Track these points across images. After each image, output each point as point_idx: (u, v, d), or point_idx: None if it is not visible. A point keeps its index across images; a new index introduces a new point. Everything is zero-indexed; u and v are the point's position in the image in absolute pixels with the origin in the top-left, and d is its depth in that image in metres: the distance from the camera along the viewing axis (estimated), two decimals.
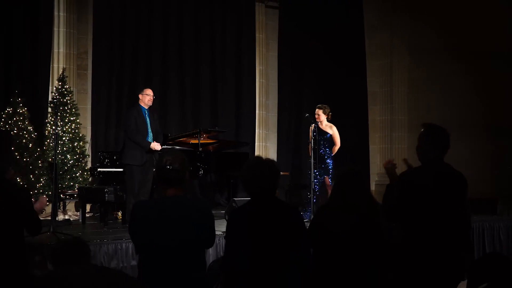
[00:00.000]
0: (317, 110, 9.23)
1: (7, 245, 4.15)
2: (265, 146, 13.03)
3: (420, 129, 4.17)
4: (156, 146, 7.97)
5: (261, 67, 13.18)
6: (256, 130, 13.05)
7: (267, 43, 13.39)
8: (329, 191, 8.52)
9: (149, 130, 8.07)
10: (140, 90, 8.27)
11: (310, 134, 9.01)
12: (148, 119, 8.10)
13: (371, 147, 13.39)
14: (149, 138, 8.02)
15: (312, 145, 9.06)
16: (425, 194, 3.95)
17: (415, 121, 12.13)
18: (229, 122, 12.55)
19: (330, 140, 9.12)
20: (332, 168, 9.03)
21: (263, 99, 13.21)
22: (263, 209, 3.78)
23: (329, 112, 9.24)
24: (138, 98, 8.19)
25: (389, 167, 4.30)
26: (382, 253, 3.95)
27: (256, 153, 12.43)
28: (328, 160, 9.05)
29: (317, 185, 8.92)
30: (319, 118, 9.16)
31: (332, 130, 9.18)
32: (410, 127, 12.94)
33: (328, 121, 9.21)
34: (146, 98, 8.10)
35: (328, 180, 8.98)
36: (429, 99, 12.64)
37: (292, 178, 12.44)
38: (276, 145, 13.33)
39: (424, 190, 3.96)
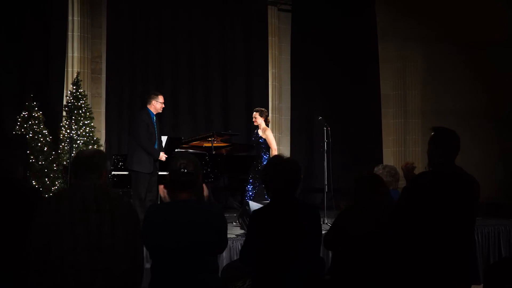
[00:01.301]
0: (254, 113, 9.03)
1: (15, 244, 4.18)
2: (278, 149, 12.99)
3: (431, 133, 4.15)
4: (162, 156, 8.01)
5: (274, 70, 13.19)
6: None
7: (280, 46, 13.40)
8: None
9: (157, 136, 8.11)
10: (153, 95, 8.20)
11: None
12: (156, 125, 8.11)
13: (384, 150, 13.34)
14: (156, 145, 8.04)
15: (325, 148, 9.05)
16: (430, 199, 3.89)
17: (429, 124, 12.08)
18: (242, 126, 12.54)
19: (266, 145, 8.90)
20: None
21: (276, 102, 13.22)
22: (283, 208, 3.81)
23: (266, 116, 9.02)
24: (147, 102, 8.17)
25: (408, 169, 4.30)
26: (401, 256, 3.94)
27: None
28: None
29: (252, 191, 8.83)
30: (256, 121, 8.98)
31: (266, 134, 8.91)
32: (424, 130, 12.88)
33: (266, 125, 8.97)
34: (159, 105, 8.08)
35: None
36: (442, 101, 12.59)
37: (305, 182, 12.43)
38: (289, 148, 13.31)
39: (429, 195, 3.90)
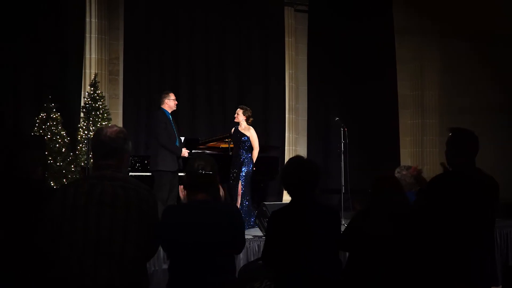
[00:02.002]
0: (237, 110, 8.78)
1: (33, 245, 4.20)
2: (295, 150, 13.01)
3: (448, 134, 4.12)
4: (185, 152, 8.08)
5: (290, 71, 13.18)
6: (286, 134, 13.04)
7: (297, 46, 13.39)
8: (239, 199, 8.41)
9: (176, 134, 8.14)
10: (164, 94, 8.25)
11: (232, 138, 8.80)
12: (173, 124, 8.15)
13: (402, 151, 13.29)
14: (177, 142, 8.09)
15: (342, 149, 9.03)
16: (448, 200, 3.86)
17: (446, 125, 12.02)
18: (258, 126, 12.53)
19: (249, 143, 8.67)
20: (245, 175, 8.52)
21: (293, 103, 13.21)
22: (302, 209, 3.81)
23: (249, 116, 8.75)
24: (161, 102, 8.21)
25: (415, 175, 4.29)
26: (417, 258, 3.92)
27: (286, 157, 12.42)
28: (244, 167, 8.53)
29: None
30: (237, 118, 8.70)
31: (250, 133, 8.68)
32: (441, 130, 12.81)
33: (248, 124, 8.77)
34: (172, 102, 8.14)
35: (240, 187, 8.50)
36: (460, 102, 12.52)
37: (321, 182, 12.39)
38: (306, 148, 13.29)
39: (447, 196, 3.87)
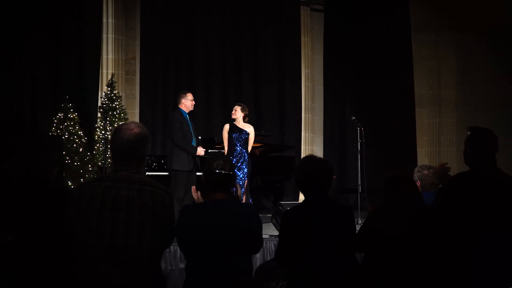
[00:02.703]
0: (236, 106, 8.61)
1: (51, 245, 4.22)
2: (311, 149, 12.99)
3: (467, 133, 4.08)
4: (201, 151, 8.07)
5: (307, 70, 13.17)
6: (302, 134, 13.02)
7: (313, 46, 13.38)
8: (245, 196, 8.19)
9: (192, 134, 8.13)
10: (182, 94, 8.26)
11: (224, 135, 8.53)
12: (190, 123, 8.15)
13: (418, 150, 13.20)
14: (193, 142, 8.09)
15: (359, 148, 9.00)
16: (466, 200, 3.82)
17: (464, 123, 11.93)
18: (274, 126, 12.56)
19: (247, 140, 8.46)
20: (248, 172, 8.31)
21: (309, 102, 13.19)
22: (316, 209, 3.79)
23: (246, 114, 8.57)
24: (178, 102, 8.23)
25: (443, 171, 4.24)
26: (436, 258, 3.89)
27: (303, 156, 12.39)
28: (247, 164, 8.33)
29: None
30: (235, 114, 8.51)
31: (251, 129, 8.53)
32: (458, 129, 12.72)
33: (244, 122, 8.60)
34: (189, 102, 8.14)
35: (247, 183, 8.33)
36: (477, 100, 12.42)
37: (338, 182, 12.37)
38: (322, 148, 13.27)
39: (466, 197, 3.83)
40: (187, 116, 8.15)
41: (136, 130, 3.19)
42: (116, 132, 3.23)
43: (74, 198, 3.17)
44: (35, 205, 4.28)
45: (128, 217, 3.05)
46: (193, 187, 3.85)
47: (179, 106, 8.16)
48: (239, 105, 8.62)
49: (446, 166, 4.27)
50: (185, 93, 8.25)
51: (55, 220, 4.27)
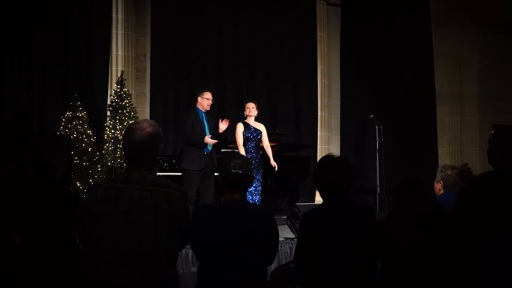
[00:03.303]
0: (250, 103, 8.39)
1: (52, 246, 4.24)
2: (328, 149, 12.95)
3: (491, 131, 4.04)
4: (208, 139, 7.93)
5: (323, 67, 13.13)
6: (318, 133, 12.99)
7: (329, 41, 13.33)
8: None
9: (207, 134, 8.08)
10: (199, 92, 8.27)
11: (239, 136, 8.23)
12: (206, 123, 8.13)
13: (439, 149, 13.13)
14: (210, 146, 8.08)
15: (377, 148, 8.97)
16: (490, 202, 3.77)
17: (487, 122, 11.85)
18: (290, 125, 12.53)
19: (259, 141, 8.31)
20: (261, 173, 8.17)
21: (325, 100, 13.14)
22: (336, 210, 3.78)
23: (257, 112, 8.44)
24: (196, 101, 8.23)
25: (465, 171, 4.21)
26: (452, 263, 3.86)
27: (319, 156, 12.37)
28: (260, 166, 8.17)
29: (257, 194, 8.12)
30: (251, 112, 8.31)
31: (263, 128, 8.38)
32: (481, 127, 12.64)
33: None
34: (205, 102, 8.12)
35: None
36: (501, 98, 12.33)
37: (355, 182, 12.33)
38: (339, 147, 13.24)
39: (489, 198, 3.78)
40: (203, 115, 8.14)
41: (149, 129, 3.18)
42: (128, 131, 3.21)
43: (85, 200, 3.16)
44: (37, 206, 4.31)
45: (142, 220, 3.05)
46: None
47: (196, 105, 8.17)
48: (254, 102, 8.51)
49: (468, 166, 4.23)
50: (202, 92, 8.24)
51: (57, 221, 4.30)
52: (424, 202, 4.02)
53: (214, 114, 11.75)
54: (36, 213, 4.36)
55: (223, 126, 8.16)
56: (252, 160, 8.01)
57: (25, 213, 4.40)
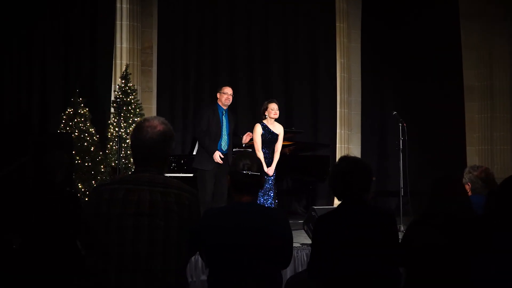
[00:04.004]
0: (274, 104, 8.19)
1: (55, 252, 4.27)
2: (348, 148, 12.91)
3: None
4: (216, 157, 7.94)
5: (342, 60, 13.08)
6: (337, 131, 12.95)
7: (349, 33, 13.28)
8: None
9: (224, 132, 8.10)
10: (218, 90, 8.31)
11: (258, 140, 8.09)
12: (224, 121, 8.14)
13: (468, 148, 13.09)
14: (222, 141, 8.06)
15: (401, 147, 8.93)
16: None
17: None
18: (306, 122, 12.50)
19: (275, 143, 8.23)
20: (275, 177, 8.14)
21: (345, 96, 13.10)
22: (353, 213, 3.76)
23: None
24: (216, 97, 8.26)
25: (482, 177, 4.20)
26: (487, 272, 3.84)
27: (338, 156, 12.33)
28: (271, 179, 8.04)
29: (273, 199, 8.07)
30: (275, 115, 8.16)
31: (281, 130, 8.26)
32: None
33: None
34: (223, 96, 8.13)
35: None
36: None
37: (377, 184, 12.30)
38: (360, 147, 13.20)
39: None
40: (223, 112, 8.17)
41: (160, 127, 3.17)
42: (138, 129, 3.20)
43: (90, 202, 3.16)
44: (37, 208, 4.34)
45: (152, 223, 3.05)
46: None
47: (217, 101, 8.23)
48: (275, 102, 8.30)
49: (488, 172, 4.21)
50: (220, 88, 8.31)
51: (57, 223, 4.33)
52: (459, 205, 4.00)
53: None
54: (36, 215, 4.39)
55: (246, 138, 8.26)
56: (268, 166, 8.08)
57: (25, 215, 4.44)
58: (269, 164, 8.04)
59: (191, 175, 8.89)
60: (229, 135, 8.16)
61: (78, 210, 4.52)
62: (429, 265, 3.86)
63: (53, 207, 4.39)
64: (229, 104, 8.21)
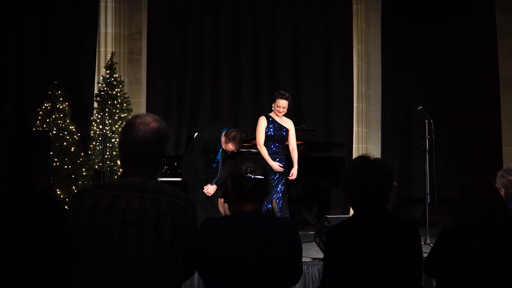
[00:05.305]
0: (282, 101, 8.28)
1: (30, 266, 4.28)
2: (366, 148, 12.93)
3: None
4: (209, 189, 8.24)
5: (359, 47, 13.08)
6: (354, 128, 12.96)
7: (368, 16, 13.28)
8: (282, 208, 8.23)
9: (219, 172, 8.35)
10: (226, 132, 8.25)
11: (260, 133, 8.26)
12: (220, 160, 8.39)
13: (505, 148, 13.09)
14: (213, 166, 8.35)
15: (427, 147, 8.93)
16: None
17: None
18: (318, 119, 12.51)
19: (284, 139, 8.36)
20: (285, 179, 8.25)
21: (363, 88, 13.10)
22: (372, 224, 3.76)
23: None
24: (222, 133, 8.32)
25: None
26: None
27: (355, 157, 12.32)
28: (286, 170, 8.27)
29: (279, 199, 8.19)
30: (281, 113, 8.30)
31: (291, 125, 8.41)
32: None
33: None
34: (228, 147, 8.18)
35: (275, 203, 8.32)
36: None
37: (400, 189, 12.31)
38: (380, 146, 13.20)
39: None
40: (220, 151, 8.34)
41: (154, 124, 3.15)
42: (128, 127, 3.17)
43: (71, 209, 3.13)
44: (16, 219, 4.33)
45: (141, 235, 3.03)
46: (221, 200, 3.84)
47: (221, 142, 8.29)
48: (286, 99, 8.35)
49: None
50: (230, 134, 8.20)
51: (40, 237, 4.32)
52: (495, 211, 4.01)
53: (227, 106, 11.82)
54: (15, 228, 4.38)
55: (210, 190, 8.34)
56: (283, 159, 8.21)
57: (1, 228, 4.43)
58: (280, 160, 8.18)
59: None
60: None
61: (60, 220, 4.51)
62: (465, 275, 3.88)
63: (37, 218, 4.37)
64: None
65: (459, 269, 3.92)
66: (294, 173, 8.23)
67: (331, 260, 3.87)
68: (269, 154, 8.11)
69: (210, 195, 8.17)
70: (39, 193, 4.65)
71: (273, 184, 8.08)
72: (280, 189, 8.13)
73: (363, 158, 4.00)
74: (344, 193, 3.97)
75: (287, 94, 8.39)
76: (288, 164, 8.32)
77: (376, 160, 3.95)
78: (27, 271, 4.24)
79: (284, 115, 8.30)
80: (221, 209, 3.80)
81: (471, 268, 3.88)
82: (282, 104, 8.25)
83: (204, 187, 8.18)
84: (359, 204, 3.86)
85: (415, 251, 3.82)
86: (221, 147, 8.27)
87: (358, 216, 3.86)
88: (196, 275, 6.04)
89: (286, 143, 8.41)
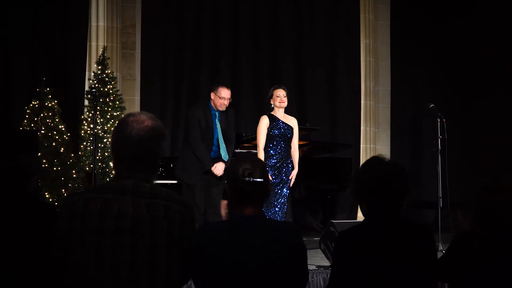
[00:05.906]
0: (280, 90, 8.23)
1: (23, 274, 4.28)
2: (374, 148, 12.94)
3: None
4: (217, 170, 7.99)
5: (367, 41, 13.09)
6: (362, 127, 12.97)
7: (376, 7, 13.29)
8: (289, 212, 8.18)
9: (217, 141, 8.18)
10: (213, 87, 8.25)
11: (261, 134, 8.16)
12: (218, 125, 8.19)
13: None
14: (221, 150, 8.12)
15: (439, 147, 8.93)
16: None
17: None
18: (324, 117, 12.51)
19: (290, 139, 8.30)
20: (291, 180, 8.21)
21: (371, 85, 13.11)
22: (383, 229, 3.77)
23: None
24: (209, 96, 8.25)
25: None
26: None
27: (362, 158, 12.35)
28: (290, 171, 8.24)
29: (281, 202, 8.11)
30: (281, 102, 8.20)
31: (295, 122, 8.35)
32: None
33: None
34: (218, 101, 8.10)
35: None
36: None
37: (410, 193, 12.29)
38: (389, 147, 13.20)
39: None
40: (216, 115, 8.20)
41: (149, 123, 3.15)
42: (121, 125, 3.17)
43: (62, 215, 3.14)
44: (7, 224, 4.33)
45: (135, 242, 3.04)
46: (224, 202, 3.84)
47: (210, 101, 8.24)
48: (283, 88, 8.34)
49: None
50: (216, 88, 8.22)
51: (32, 243, 4.33)
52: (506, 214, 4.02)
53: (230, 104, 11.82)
54: (5, 233, 4.38)
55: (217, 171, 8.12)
56: (284, 166, 8.14)
57: None
58: (288, 165, 8.18)
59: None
60: (225, 141, 8.21)
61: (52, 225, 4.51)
62: (478, 280, 3.89)
63: (28, 223, 4.37)
64: (223, 109, 8.23)
65: (474, 273, 3.93)
66: (293, 176, 8.21)
67: (340, 267, 3.86)
68: (276, 159, 8.13)
69: (220, 174, 7.94)
70: (30, 196, 4.66)
71: (278, 188, 8.06)
72: (285, 193, 8.11)
73: (379, 159, 4.00)
74: (357, 197, 3.97)
75: (282, 85, 8.39)
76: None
77: (392, 161, 3.96)
78: (18, 278, 4.25)
79: (287, 113, 8.30)
80: (223, 212, 3.81)
81: (487, 272, 3.89)
82: (281, 92, 8.23)
83: (214, 167, 7.98)
84: (372, 208, 3.86)
85: (430, 255, 3.83)
86: (213, 111, 8.19)
87: (371, 220, 3.86)
88: (191, 283, 6.05)
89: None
